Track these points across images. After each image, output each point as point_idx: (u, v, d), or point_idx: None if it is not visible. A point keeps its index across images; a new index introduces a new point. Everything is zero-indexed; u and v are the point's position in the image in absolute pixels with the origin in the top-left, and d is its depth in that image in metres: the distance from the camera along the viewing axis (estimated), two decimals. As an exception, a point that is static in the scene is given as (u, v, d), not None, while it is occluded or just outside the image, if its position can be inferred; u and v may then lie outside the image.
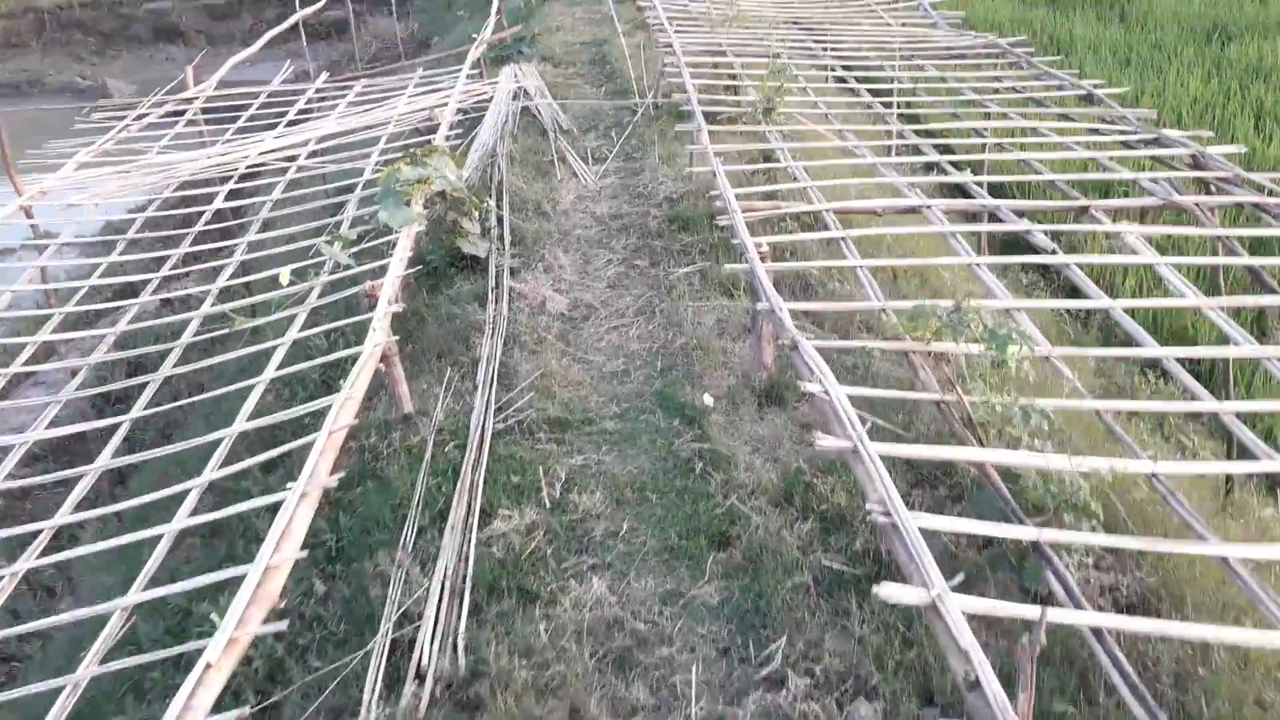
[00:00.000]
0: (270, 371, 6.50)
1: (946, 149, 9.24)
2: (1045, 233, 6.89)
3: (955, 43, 12.64)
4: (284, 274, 7.42)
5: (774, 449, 6.41)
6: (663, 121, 12.59)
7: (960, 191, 8.35)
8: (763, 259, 6.60)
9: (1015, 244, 7.67)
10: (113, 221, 10.50)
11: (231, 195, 10.13)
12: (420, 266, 9.23)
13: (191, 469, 6.07)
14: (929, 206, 7.27)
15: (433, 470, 6.53)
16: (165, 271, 8.62)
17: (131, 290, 9.10)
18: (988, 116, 9.70)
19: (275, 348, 6.86)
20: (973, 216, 8.09)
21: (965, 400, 4.87)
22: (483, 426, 6.89)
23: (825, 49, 12.73)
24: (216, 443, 6.04)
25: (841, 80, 11.84)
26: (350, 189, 9.79)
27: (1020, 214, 7.26)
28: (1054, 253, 6.61)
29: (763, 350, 6.77)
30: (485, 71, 14.26)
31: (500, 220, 10.16)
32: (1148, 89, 15.68)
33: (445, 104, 11.39)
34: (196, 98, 13.39)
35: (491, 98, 12.47)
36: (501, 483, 6.31)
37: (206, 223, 9.53)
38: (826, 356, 5.27)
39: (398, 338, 6.91)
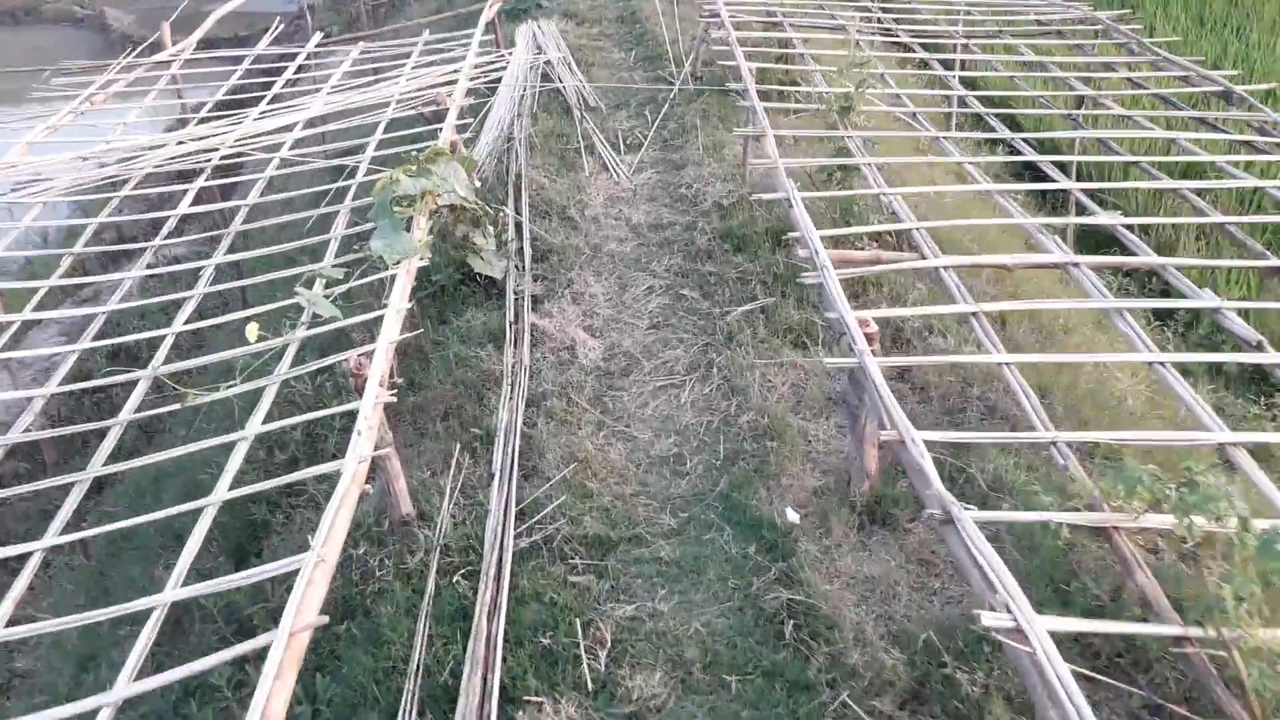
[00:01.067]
0: (221, 491, 4.86)
1: (1066, 167, 7.44)
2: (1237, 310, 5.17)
3: (1045, 13, 10.75)
4: (250, 329, 5.77)
5: (888, 600, 4.80)
6: (705, 99, 10.78)
7: (1114, 242, 6.49)
8: (869, 341, 4.92)
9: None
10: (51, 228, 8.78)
11: (201, 196, 8.41)
12: (422, 289, 7.61)
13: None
14: (1077, 264, 5.56)
15: (436, 613, 4.95)
16: (114, 305, 6.94)
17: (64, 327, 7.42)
18: (1087, 116, 7.88)
19: (234, 445, 5.22)
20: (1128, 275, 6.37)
21: (1235, 649, 3.23)
22: (501, 544, 5.28)
23: (897, 21, 10.83)
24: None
25: (924, 65, 9.97)
26: (341, 192, 8.07)
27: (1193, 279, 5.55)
28: (1258, 345, 4.91)
29: (865, 455, 5.13)
30: (500, 30, 12.40)
31: (519, 229, 8.45)
32: (1230, 53, 13.81)
33: (454, 82, 9.58)
34: (173, 60, 11.56)
35: (507, 68, 10.65)
36: (527, 645, 4.71)
37: (168, 234, 7.82)
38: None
39: (394, 392, 5.32)
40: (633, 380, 6.67)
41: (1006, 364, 4.85)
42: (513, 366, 6.84)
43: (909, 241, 6.42)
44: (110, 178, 8.65)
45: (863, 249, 6.61)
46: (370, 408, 4.99)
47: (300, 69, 11.48)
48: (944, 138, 7.43)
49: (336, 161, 8.53)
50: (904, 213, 6.28)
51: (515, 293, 7.68)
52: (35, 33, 30.20)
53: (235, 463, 5.09)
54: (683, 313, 7.33)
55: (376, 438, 5.15)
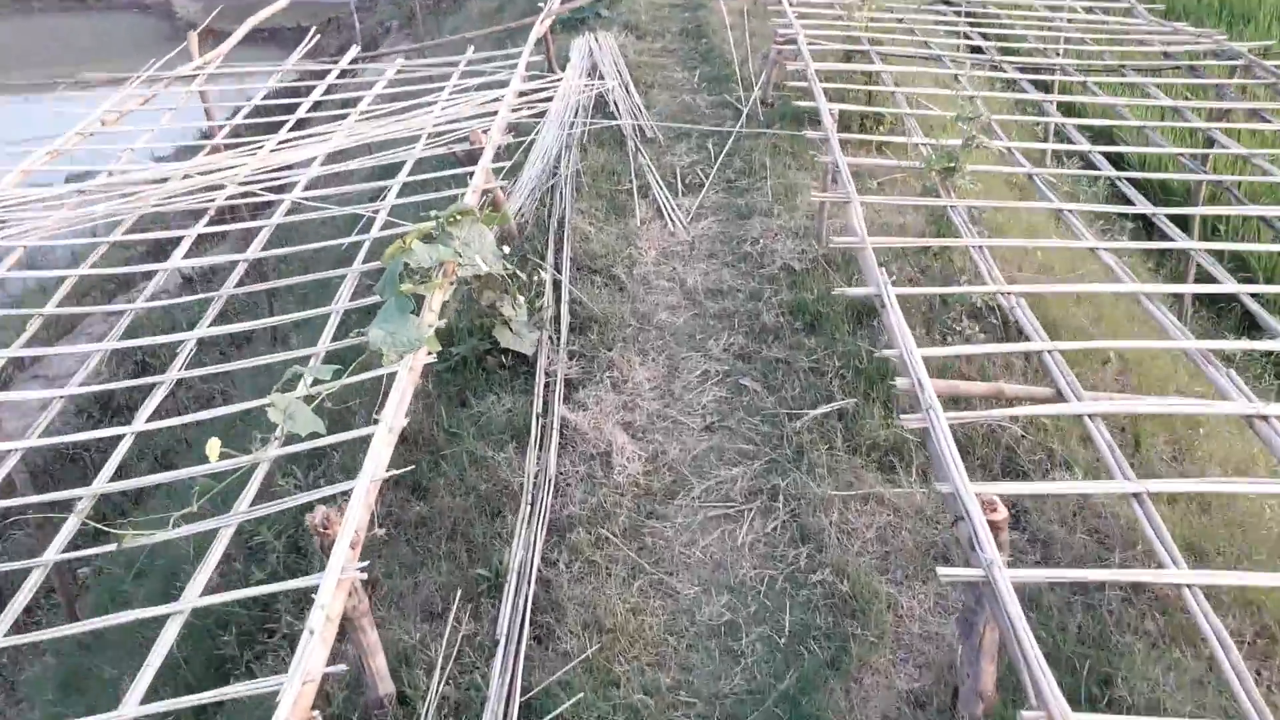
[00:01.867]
0: (131, 704, 3.65)
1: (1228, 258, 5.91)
2: None
3: (1169, 42, 9.17)
4: (212, 447, 4.55)
5: None
6: (781, 125, 9.41)
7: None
8: (996, 529, 3.57)
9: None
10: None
11: (198, 246, 7.28)
12: (441, 361, 6.42)
13: None
14: (1265, 418, 4.14)
15: None
16: (73, 388, 5.78)
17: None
18: (1243, 186, 6.35)
19: (167, 620, 4.02)
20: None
21: None
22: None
23: (1001, 51, 9.29)
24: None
25: (1033, 106, 8.44)
26: (352, 250, 6.88)
27: None
28: None
29: (981, 672, 3.79)
30: (553, 44, 11.13)
31: (558, 288, 7.21)
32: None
33: (493, 113, 8.32)
34: (197, 75, 10.45)
35: (555, 95, 9.37)
36: None
37: (154, 293, 6.68)
38: None
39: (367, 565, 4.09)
40: (679, 506, 5.38)
41: (1190, 586, 3.46)
42: (535, 476, 5.60)
43: (1025, 351, 5.02)
44: (104, 217, 7.53)
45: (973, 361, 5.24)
46: (331, 589, 3.76)
47: (331, 88, 10.30)
48: (1069, 210, 5.97)
49: (351, 209, 7.31)
50: (1030, 324, 4.86)
51: (547, 374, 6.43)
52: (104, 19, 29.71)
53: (164, 645, 3.90)
54: (743, 412, 6.01)
55: (348, 606, 3.96)
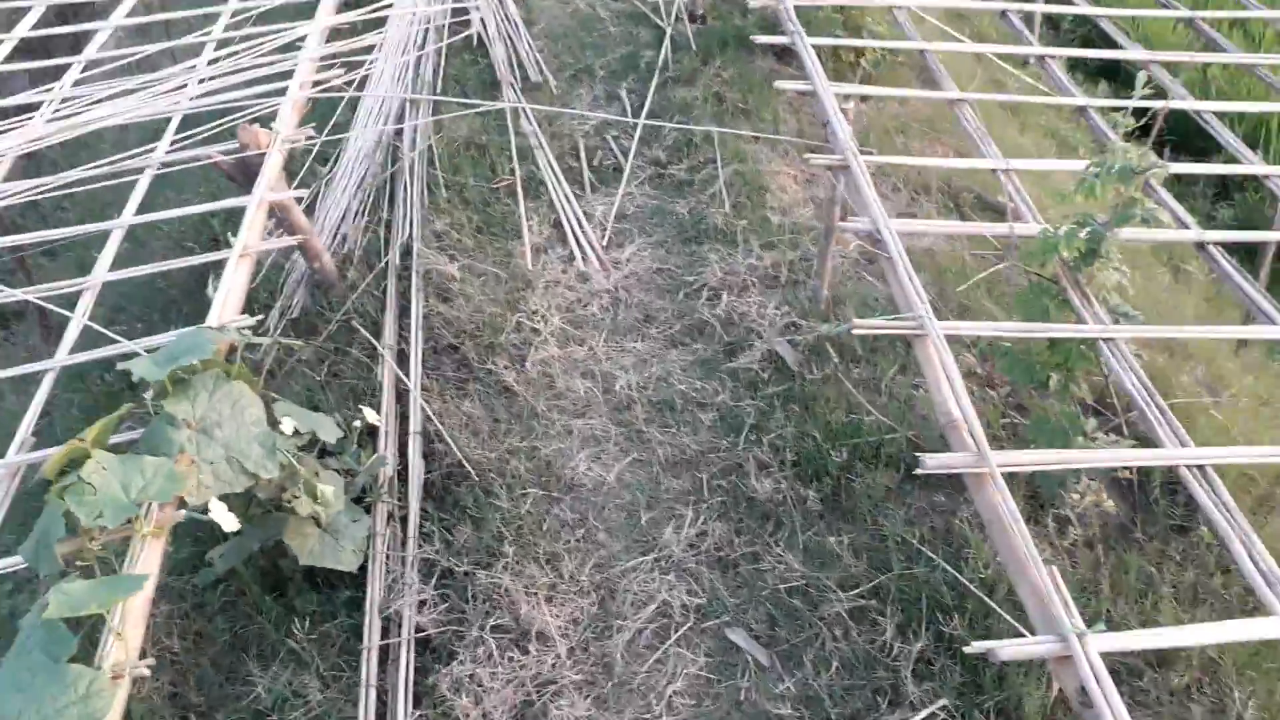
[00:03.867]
0: None
1: None
2: None
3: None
4: None
5: None
6: (719, 68, 6.26)
7: None
8: None
9: None
10: None
11: None
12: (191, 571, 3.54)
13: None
14: None
15: None
16: None
17: None
18: None
19: None
20: None
21: None
22: None
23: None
24: None
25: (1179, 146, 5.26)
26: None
27: None
28: None
29: None
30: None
31: (401, 399, 4.23)
32: None
33: (286, 78, 4.99)
34: None
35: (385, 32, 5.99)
36: None
37: None
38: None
39: None
40: None
41: None
42: None
43: None
44: None
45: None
46: None
47: (67, 14, 6.60)
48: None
49: (23, 295, 3.98)
50: None
51: (384, 618, 3.52)
52: None
53: None
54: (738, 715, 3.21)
55: None
